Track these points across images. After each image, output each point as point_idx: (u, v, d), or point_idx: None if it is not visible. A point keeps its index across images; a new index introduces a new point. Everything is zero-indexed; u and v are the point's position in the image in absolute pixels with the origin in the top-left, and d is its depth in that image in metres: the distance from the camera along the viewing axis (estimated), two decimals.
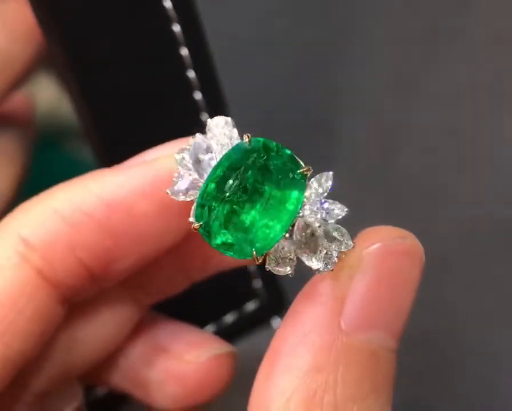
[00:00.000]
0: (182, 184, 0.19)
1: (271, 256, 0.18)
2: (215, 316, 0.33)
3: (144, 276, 0.24)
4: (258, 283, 0.33)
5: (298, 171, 0.18)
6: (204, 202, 0.18)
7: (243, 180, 0.18)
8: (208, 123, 0.19)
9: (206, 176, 0.18)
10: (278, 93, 0.41)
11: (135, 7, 0.26)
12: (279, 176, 0.18)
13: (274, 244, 0.18)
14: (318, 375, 0.18)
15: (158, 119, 0.28)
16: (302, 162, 0.18)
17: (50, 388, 0.24)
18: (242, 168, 0.18)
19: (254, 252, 0.18)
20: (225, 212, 0.18)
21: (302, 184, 0.18)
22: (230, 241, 0.18)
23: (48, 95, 0.39)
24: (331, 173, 0.18)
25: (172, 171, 0.19)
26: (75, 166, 0.38)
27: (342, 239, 0.18)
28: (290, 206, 0.18)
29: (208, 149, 0.19)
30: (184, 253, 0.23)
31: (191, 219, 0.19)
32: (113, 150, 0.28)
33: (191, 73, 0.27)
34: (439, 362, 0.33)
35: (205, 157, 0.19)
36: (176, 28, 0.26)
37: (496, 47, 0.40)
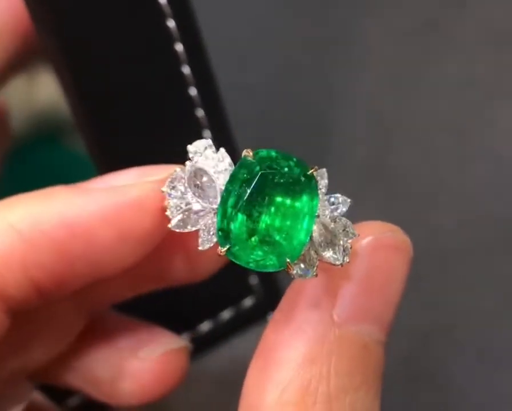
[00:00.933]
0: (187, 215, 0.19)
1: (296, 261, 0.18)
2: (212, 313, 0.33)
3: (90, 289, 0.23)
4: (254, 280, 0.33)
5: (307, 173, 0.18)
6: (223, 226, 0.18)
7: (255, 195, 0.18)
8: (189, 149, 0.19)
9: (212, 200, 0.19)
10: (273, 89, 0.41)
11: (129, 2, 0.25)
12: (290, 183, 0.18)
13: (302, 250, 0.18)
14: (312, 367, 0.18)
15: (151, 115, 0.28)
16: (306, 164, 0.18)
17: None
18: (252, 184, 0.18)
19: (288, 261, 0.18)
20: (246, 230, 0.18)
21: (312, 185, 0.18)
22: (258, 257, 0.18)
23: (47, 90, 0.38)
24: (324, 169, 0.19)
25: (137, 200, 0.19)
26: (74, 161, 0.38)
27: (348, 229, 0.18)
28: (308, 210, 0.18)
29: (205, 174, 0.19)
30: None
31: (200, 248, 0.19)
32: (105, 145, 0.28)
33: (186, 69, 0.27)
34: (438, 361, 0.33)
35: (203, 182, 0.19)
36: (171, 23, 0.26)
37: (493, 41, 0.40)
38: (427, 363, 0.33)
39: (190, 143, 0.27)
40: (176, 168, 0.19)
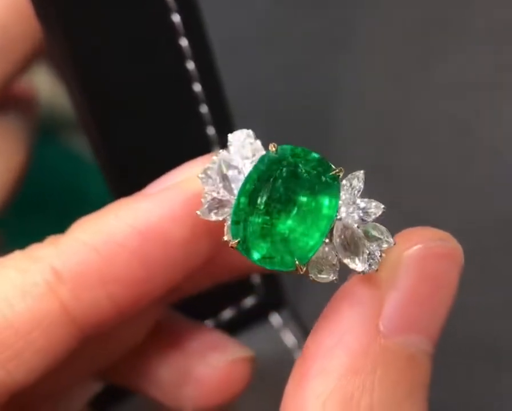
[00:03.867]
0: (211, 204, 0.19)
1: (313, 264, 0.18)
2: (213, 312, 0.33)
3: None
4: (256, 279, 0.33)
5: (330, 174, 0.18)
6: (239, 218, 0.18)
7: (274, 191, 0.18)
8: (229, 138, 0.19)
9: (235, 192, 0.18)
10: (277, 87, 0.41)
11: None
12: (311, 182, 0.18)
13: (315, 252, 0.18)
14: (355, 378, 0.18)
15: (155, 111, 0.27)
16: (332, 164, 0.18)
17: (66, 387, 0.23)
18: (272, 178, 0.18)
19: (297, 262, 0.18)
20: (260, 225, 0.18)
21: (335, 186, 0.18)
22: (269, 254, 0.18)
23: (44, 87, 0.38)
24: (362, 172, 0.18)
25: (200, 192, 0.19)
26: (70, 158, 0.38)
27: (381, 237, 0.18)
28: (326, 211, 0.18)
29: (234, 164, 0.18)
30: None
31: (226, 237, 0.18)
32: (110, 143, 0.28)
33: (191, 65, 0.27)
34: (437, 359, 0.33)
35: (232, 173, 0.18)
36: (176, 18, 0.26)
37: (497, 38, 0.40)
38: None
39: (193, 139, 0.27)
40: (214, 157, 0.19)
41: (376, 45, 0.41)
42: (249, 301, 0.33)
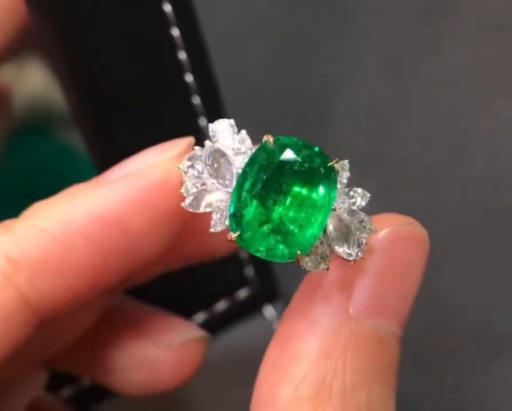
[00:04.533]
0: (198, 196, 0.18)
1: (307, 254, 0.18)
2: (206, 304, 0.33)
3: None
4: (249, 271, 0.33)
5: (327, 164, 0.18)
6: (236, 211, 0.18)
7: (272, 183, 0.17)
8: (210, 128, 0.19)
9: (227, 183, 0.18)
10: (271, 79, 0.41)
11: None
12: (308, 173, 0.18)
13: (314, 242, 0.18)
14: (327, 361, 0.18)
15: (147, 102, 0.27)
16: (327, 155, 0.18)
17: (13, 374, 0.23)
18: (269, 170, 0.18)
19: (299, 254, 0.18)
20: (259, 217, 0.18)
21: (332, 176, 0.18)
22: (268, 246, 0.18)
23: (35, 81, 0.38)
24: (347, 161, 0.18)
25: (160, 181, 0.19)
26: (62, 153, 0.38)
27: (365, 225, 0.18)
28: (324, 201, 0.18)
29: (223, 155, 0.18)
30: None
31: (212, 229, 0.18)
32: (103, 136, 0.27)
33: (182, 55, 0.27)
34: (432, 354, 0.33)
35: (221, 163, 0.18)
36: (167, 7, 0.26)
37: (491, 29, 0.40)
38: (420, 354, 0.33)
39: (185, 130, 0.27)
40: (196, 147, 0.19)
41: (370, 37, 0.41)
42: (242, 293, 0.33)
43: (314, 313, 0.18)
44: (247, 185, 0.18)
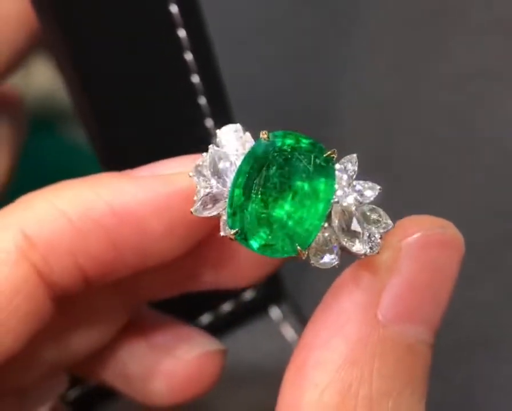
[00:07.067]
0: (205, 200, 0.18)
1: (313, 249, 0.18)
2: (212, 305, 0.33)
3: (135, 282, 0.23)
4: None
5: (323, 156, 0.17)
6: (235, 210, 0.18)
7: (269, 178, 0.17)
8: (218, 134, 0.18)
9: (229, 184, 0.18)
10: (276, 78, 0.41)
11: None
12: (305, 166, 0.17)
13: (315, 236, 0.17)
14: (353, 368, 0.17)
15: (154, 102, 0.27)
16: (324, 147, 0.18)
17: (35, 382, 0.23)
18: (266, 166, 0.17)
19: (299, 247, 0.17)
20: (257, 213, 0.17)
21: (329, 169, 0.17)
22: (268, 241, 0.18)
23: (42, 79, 0.38)
24: (355, 155, 0.18)
25: (186, 190, 0.19)
26: (69, 150, 0.38)
27: (380, 219, 0.17)
28: (322, 194, 0.17)
29: (225, 158, 0.18)
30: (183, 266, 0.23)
31: (222, 233, 0.18)
32: (108, 134, 0.27)
33: (189, 56, 0.27)
34: (434, 353, 0.33)
35: (224, 166, 0.18)
36: (174, 8, 0.26)
37: (497, 29, 0.40)
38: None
39: (191, 131, 0.27)
40: (203, 154, 0.19)
41: (376, 36, 0.41)
42: (248, 294, 0.33)
43: (340, 319, 0.18)
44: (244, 183, 0.18)
